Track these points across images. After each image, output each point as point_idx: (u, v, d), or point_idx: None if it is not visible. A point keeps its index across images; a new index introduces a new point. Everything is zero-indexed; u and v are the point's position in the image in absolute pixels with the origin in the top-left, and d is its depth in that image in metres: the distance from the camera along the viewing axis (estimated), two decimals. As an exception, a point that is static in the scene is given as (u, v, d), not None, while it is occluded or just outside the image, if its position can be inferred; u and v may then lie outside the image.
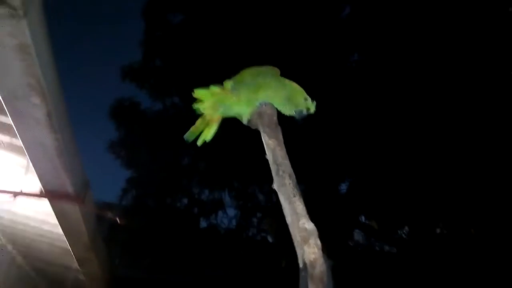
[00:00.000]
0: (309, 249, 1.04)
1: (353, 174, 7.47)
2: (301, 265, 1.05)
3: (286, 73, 1.57)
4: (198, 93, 1.44)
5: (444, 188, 6.10)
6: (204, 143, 1.52)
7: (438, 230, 6.82)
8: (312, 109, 1.51)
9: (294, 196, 1.18)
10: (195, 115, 1.48)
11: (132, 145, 9.14)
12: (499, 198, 5.47)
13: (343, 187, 7.71)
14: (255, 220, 8.98)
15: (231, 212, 9.04)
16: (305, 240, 1.06)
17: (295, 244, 1.13)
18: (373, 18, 6.78)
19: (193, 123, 1.50)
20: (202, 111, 1.47)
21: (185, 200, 9.41)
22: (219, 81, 1.48)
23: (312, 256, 1.03)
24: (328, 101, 5.99)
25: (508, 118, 5.50)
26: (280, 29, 6.91)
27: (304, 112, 1.51)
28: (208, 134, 1.50)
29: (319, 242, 1.05)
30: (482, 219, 5.82)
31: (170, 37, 8.46)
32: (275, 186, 1.25)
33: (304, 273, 1.03)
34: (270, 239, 8.78)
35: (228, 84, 1.46)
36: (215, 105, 1.46)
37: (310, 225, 1.08)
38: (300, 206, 1.15)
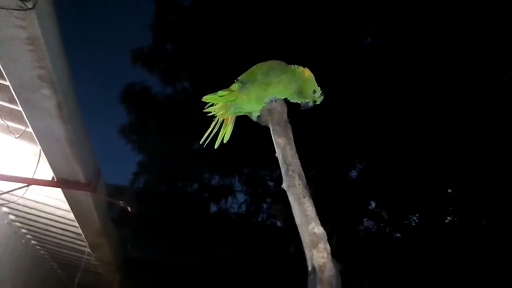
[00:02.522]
0: (318, 253, 1.03)
1: (364, 160, 7.42)
2: (309, 269, 1.04)
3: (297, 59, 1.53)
4: (208, 98, 1.43)
5: (457, 178, 6.03)
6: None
7: (448, 219, 6.78)
8: (319, 101, 1.50)
9: (304, 197, 1.16)
10: (206, 101, 1.45)
11: (143, 130, 9.19)
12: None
13: (353, 173, 7.67)
14: (264, 205, 9.05)
15: (241, 197, 9.11)
16: (314, 245, 1.05)
17: (304, 245, 1.11)
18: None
19: (203, 108, 1.47)
20: (214, 113, 1.46)
21: (196, 185, 9.49)
22: (231, 67, 1.46)
23: (321, 261, 1.02)
24: (339, 86, 5.91)
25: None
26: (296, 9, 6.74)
27: (311, 104, 1.50)
28: (225, 135, 1.49)
29: (328, 246, 1.04)
30: (495, 210, 5.75)
31: (181, 21, 8.37)
32: (284, 186, 1.23)
33: (312, 276, 1.02)
34: (279, 224, 8.84)
35: (236, 86, 1.46)
36: (226, 106, 1.45)
37: (319, 230, 1.07)
38: (309, 208, 1.13)
